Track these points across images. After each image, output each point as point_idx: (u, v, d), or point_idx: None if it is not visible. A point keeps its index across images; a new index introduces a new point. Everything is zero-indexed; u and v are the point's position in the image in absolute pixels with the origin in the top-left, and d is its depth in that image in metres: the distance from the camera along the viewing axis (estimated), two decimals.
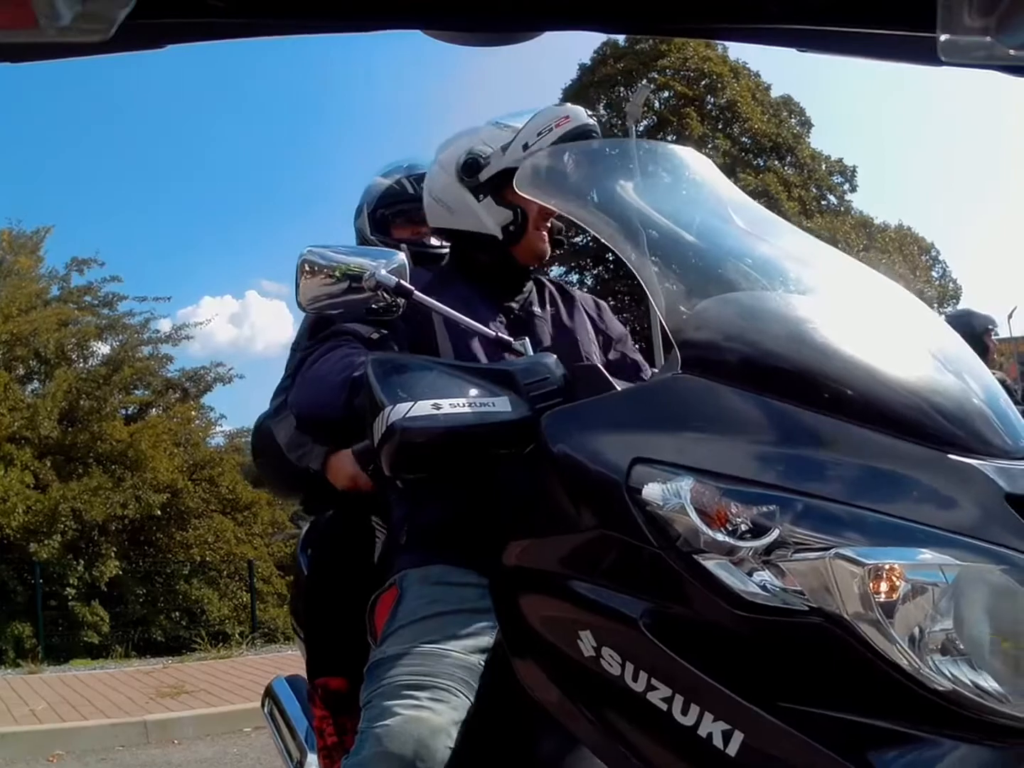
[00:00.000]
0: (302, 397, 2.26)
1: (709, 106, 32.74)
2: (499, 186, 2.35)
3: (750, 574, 1.26)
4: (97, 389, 17.76)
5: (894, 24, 1.28)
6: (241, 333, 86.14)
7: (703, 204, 1.98)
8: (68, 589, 15.31)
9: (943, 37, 1.10)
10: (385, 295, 1.96)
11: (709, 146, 29.87)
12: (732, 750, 1.26)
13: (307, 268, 2.00)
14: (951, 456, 1.30)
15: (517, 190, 1.96)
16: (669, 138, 30.87)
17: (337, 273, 1.98)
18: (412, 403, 1.52)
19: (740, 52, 32.79)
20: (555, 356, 1.72)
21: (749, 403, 1.40)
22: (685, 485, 1.31)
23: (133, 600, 16.36)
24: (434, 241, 3.06)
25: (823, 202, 32.79)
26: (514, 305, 2.44)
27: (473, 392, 1.58)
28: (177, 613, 16.60)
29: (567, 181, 1.99)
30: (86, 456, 17.28)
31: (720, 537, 1.27)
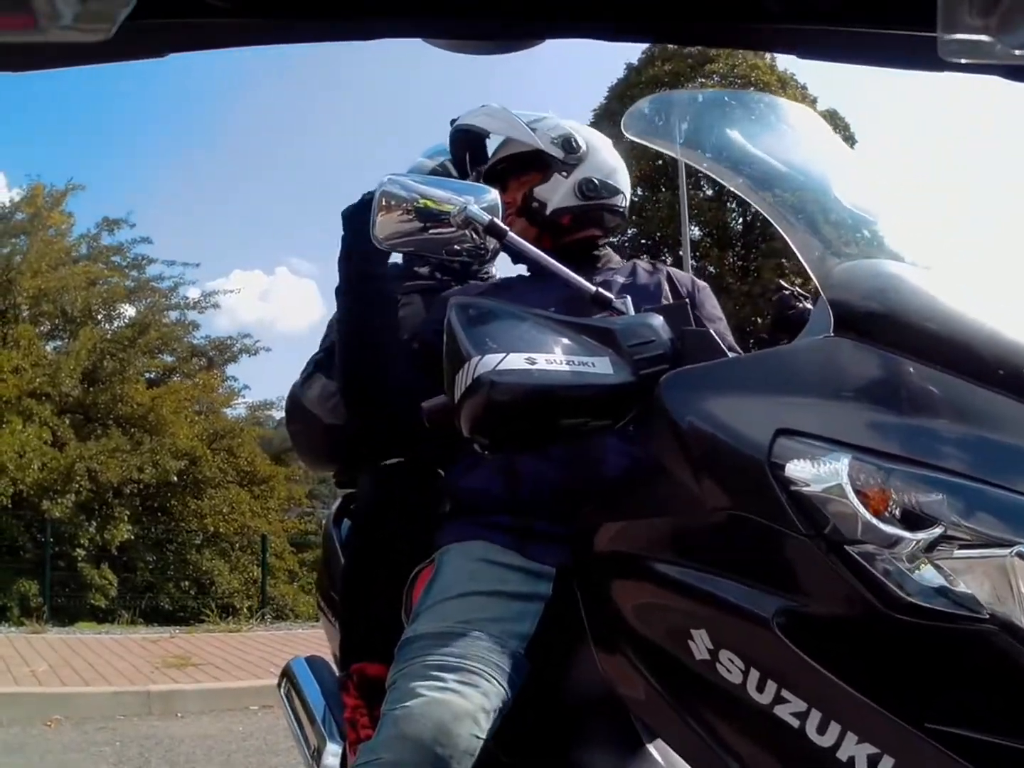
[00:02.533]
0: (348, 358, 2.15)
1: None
2: None
3: (912, 571, 1.08)
4: (122, 351, 17.88)
5: (894, 25, 1.27)
6: (268, 310, 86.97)
7: (828, 163, 1.82)
8: (78, 550, 15.42)
9: (943, 37, 1.05)
10: (474, 235, 1.76)
11: None
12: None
13: (385, 201, 1.80)
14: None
15: (626, 135, 1.79)
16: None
17: (421, 205, 1.77)
18: (503, 355, 1.32)
19: (788, 63, 32.82)
20: (662, 317, 1.50)
21: (917, 374, 1.20)
22: (842, 462, 1.11)
23: (143, 566, 16.56)
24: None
25: None
26: (597, 278, 2.15)
27: (571, 349, 1.38)
28: (186, 582, 16.73)
29: (684, 128, 1.78)
30: (106, 417, 17.43)
31: (882, 526, 1.07)
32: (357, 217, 2.19)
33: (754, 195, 1.57)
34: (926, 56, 1.12)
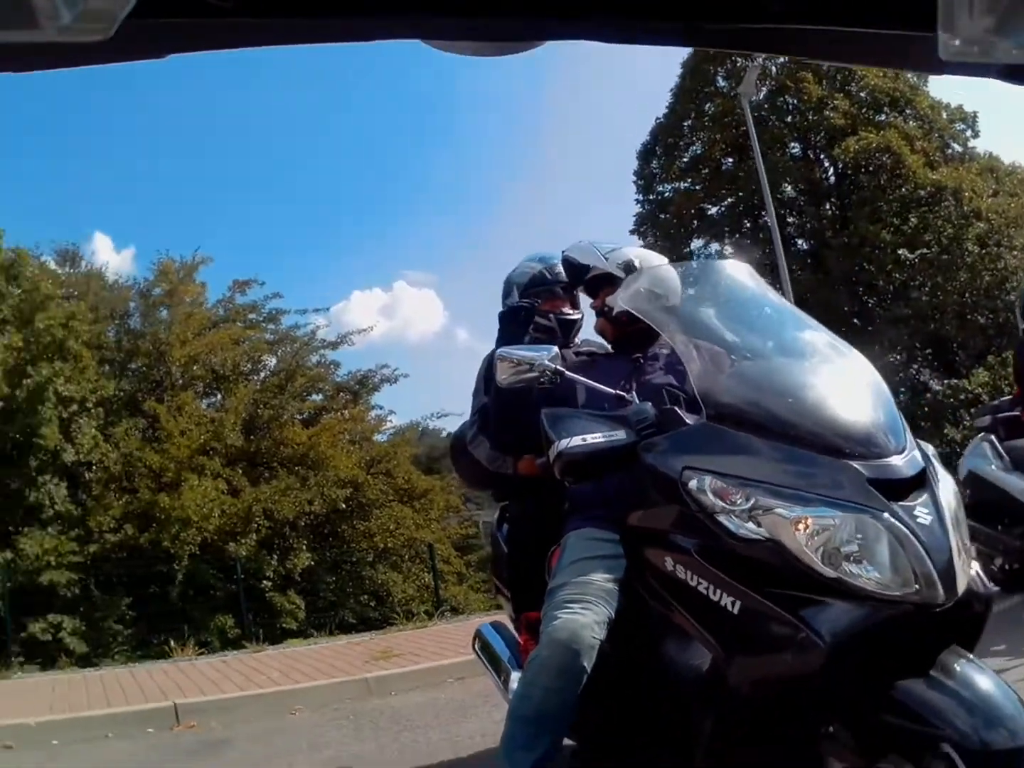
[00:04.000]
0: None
1: (825, 67, 32.06)
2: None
3: (741, 523, 2.65)
4: (273, 399, 19.72)
5: (894, 25, 1.31)
6: (393, 325, 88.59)
7: (735, 305, 3.56)
8: (264, 582, 17.17)
9: (943, 37, 1.14)
10: (548, 374, 3.43)
11: (829, 107, 30.44)
12: (735, 610, 2.64)
13: (500, 361, 3.48)
14: (842, 460, 2.65)
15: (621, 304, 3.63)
16: (790, 102, 31.91)
17: (518, 363, 3.44)
18: (569, 439, 2.99)
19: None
20: (650, 404, 3.18)
21: (739, 438, 2.84)
22: (707, 480, 2.73)
23: (324, 587, 18.23)
24: (566, 310, 4.53)
25: (947, 151, 32.26)
26: (639, 356, 3.97)
27: (603, 429, 3.04)
28: (365, 596, 18.47)
29: (644, 296, 3.54)
30: (271, 461, 19.18)
31: (722, 505, 2.68)
32: (506, 320, 4.20)
33: (678, 337, 3.28)
34: (926, 56, 1.20)
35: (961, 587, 2.52)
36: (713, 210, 33.81)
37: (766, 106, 31.89)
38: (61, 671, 11.55)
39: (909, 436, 2.84)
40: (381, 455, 20.62)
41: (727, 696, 2.71)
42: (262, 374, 21.10)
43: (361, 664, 8.93)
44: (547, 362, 3.43)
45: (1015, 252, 29.02)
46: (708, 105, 33.25)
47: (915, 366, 30.28)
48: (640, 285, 3.61)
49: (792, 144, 32.53)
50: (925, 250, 28.58)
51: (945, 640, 2.56)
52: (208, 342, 19.74)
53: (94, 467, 17.49)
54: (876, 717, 2.47)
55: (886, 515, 2.54)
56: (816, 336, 3.32)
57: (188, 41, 1.29)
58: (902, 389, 28.17)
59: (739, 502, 2.66)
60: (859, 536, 2.54)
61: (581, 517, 3.73)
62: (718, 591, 2.70)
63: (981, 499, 7.91)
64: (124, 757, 6.41)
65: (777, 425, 2.79)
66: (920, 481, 2.72)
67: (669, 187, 34.14)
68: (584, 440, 3.03)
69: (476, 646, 4.94)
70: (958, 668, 2.48)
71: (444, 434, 26.45)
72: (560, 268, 4.38)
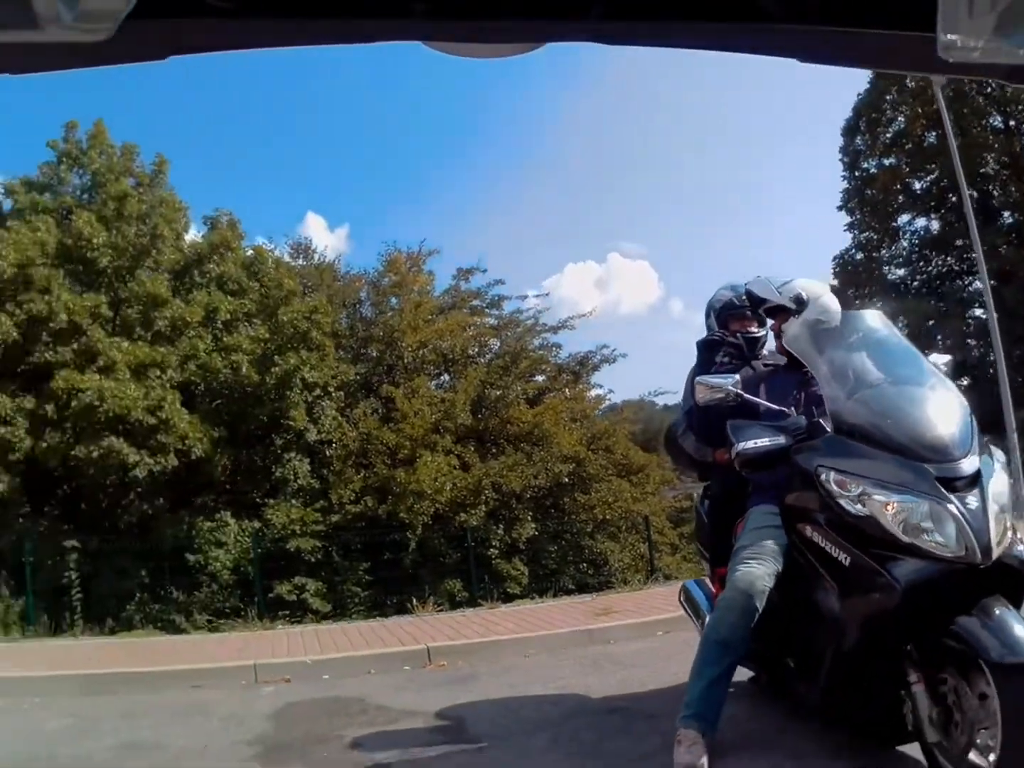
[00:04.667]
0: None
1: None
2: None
3: (852, 504, 4.01)
4: (499, 380, 20.99)
5: (894, 26, 1.33)
6: (608, 298, 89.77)
7: (866, 346, 4.85)
8: (491, 549, 18.44)
9: (943, 38, 1.18)
10: (732, 396, 4.78)
11: None
12: (847, 564, 4.10)
13: (698, 385, 4.91)
14: (920, 463, 3.98)
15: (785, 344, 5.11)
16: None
17: (712, 387, 4.86)
18: (744, 442, 4.44)
19: None
20: (804, 417, 4.66)
21: (854, 447, 4.27)
22: (832, 474, 4.12)
23: (546, 555, 19.37)
24: (752, 329, 5.82)
25: None
26: (806, 370, 5.03)
27: (769, 435, 4.47)
28: (584, 564, 19.58)
29: (803, 334, 4.96)
30: (498, 438, 20.52)
31: (840, 492, 4.09)
32: (703, 348, 5.88)
33: (821, 371, 4.66)
34: (926, 57, 1.26)
35: (995, 554, 3.82)
36: (918, 185, 33.52)
37: (965, 80, 31.12)
38: (316, 623, 13.13)
39: (976, 444, 4.19)
40: (601, 432, 21.58)
41: (842, 627, 4.13)
42: (487, 357, 22.33)
43: (583, 618, 10.07)
44: (731, 387, 4.90)
45: None
46: (908, 79, 32.74)
47: None
48: (806, 317, 5.05)
49: (994, 116, 32.03)
50: None
51: (989, 591, 3.81)
52: (437, 329, 21.20)
53: (334, 445, 19.11)
54: (939, 640, 3.79)
55: (944, 503, 3.89)
56: (920, 369, 4.76)
57: (189, 42, 1.34)
58: None
59: (852, 490, 4.11)
60: (927, 515, 3.92)
61: (760, 497, 5.07)
62: (837, 550, 4.16)
63: None
64: (387, 688, 7.67)
65: (880, 438, 4.23)
66: (976, 477, 4.03)
67: (874, 163, 34.16)
68: (755, 444, 4.55)
69: (681, 598, 6.43)
70: (997, 612, 3.73)
71: (660, 406, 27.48)
72: (765, 283, 5.58)
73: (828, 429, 4.51)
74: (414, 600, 12.87)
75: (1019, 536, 4.06)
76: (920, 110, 31.80)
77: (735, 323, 5.86)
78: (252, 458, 18.28)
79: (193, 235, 20.97)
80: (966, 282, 32.80)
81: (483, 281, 22.88)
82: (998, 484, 4.07)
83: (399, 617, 12.31)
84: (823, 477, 4.21)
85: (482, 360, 22.24)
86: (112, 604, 15.61)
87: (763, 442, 4.57)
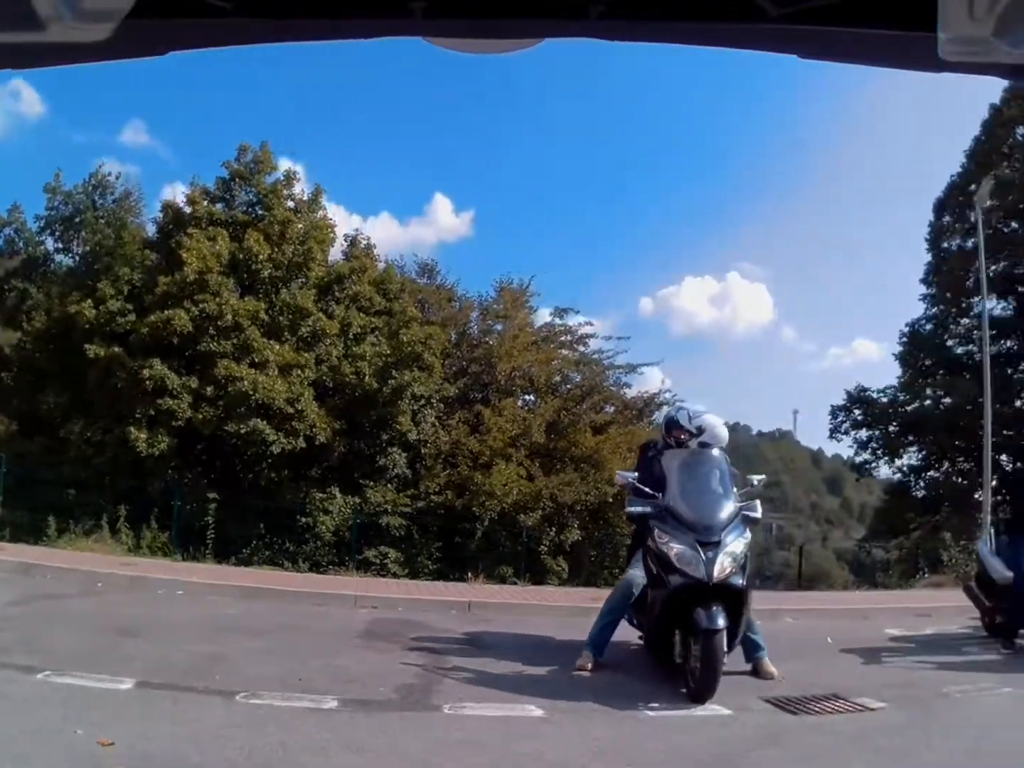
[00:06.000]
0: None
1: None
2: None
3: (661, 545, 8.75)
4: (574, 407, 25.35)
5: (894, 24, 1.38)
6: (722, 315, 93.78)
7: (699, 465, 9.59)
8: (541, 547, 22.80)
9: (943, 37, 1.21)
10: (629, 485, 9.56)
11: None
12: (655, 572, 9.13)
13: (616, 476, 10.19)
14: (693, 534, 8.59)
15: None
16: None
17: (622, 477, 9.86)
18: (629, 507, 9.32)
19: None
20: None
21: (671, 520, 8.88)
22: (656, 531, 8.87)
23: (587, 558, 23.85)
24: (683, 437, 9.79)
25: None
26: None
27: (642, 504, 9.20)
28: (618, 569, 22.78)
29: (667, 457, 9.72)
30: (563, 457, 24.64)
31: (656, 536, 8.86)
32: (640, 448, 11.05)
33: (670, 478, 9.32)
34: (926, 56, 1.31)
35: (717, 579, 8.23)
36: (992, 269, 36.36)
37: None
38: (392, 579, 17.98)
39: (730, 526, 8.60)
40: None
41: (651, 606, 8.73)
42: (567, 386, 26.58)
43: (585, 601, 14.18)
44: (630, 480, 9.31)
45: None
46: (995, 170, 35.67)
47: None
48: (692, 444, 9.47)
49: None
50: None
51: (715, 598, 8.20)
52: (529, 359, 25.60)
53: (428, 445, 23.61)
54: (688, 619, 8.25)
55: (697, 551, 8.37)
56: (724, 486, 8.98)
57: (188, 39, 1.43)
58: None
59: (661, 539, 8.53)
60: (688, 557, 8.28)
61: (643, 536, 9.31)
62: (653, 566, 8.62)
63: (979, 572, 13.07)
64: (439, 619, 12.33)
65: (680, 517, 8.59)
66: (718, 542, 8.46)
67: (956, 242, 36.52)
68: (632, 508, 8.98)
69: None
70: (713, 608, 8.16)
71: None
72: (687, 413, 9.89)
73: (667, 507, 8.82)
74: (469, 574, 17.53)
75: (735, 571, 8.40)
76: (999, 202, 34.97)
77: (675, 431, 9.88)
78: (362, 447, 22.90)
79: (337, 254, 25.75)
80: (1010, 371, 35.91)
81: (575, 320, 27.15)
82: (735, 546, 8.48)
83: (457, 583, 17.11)
84: (653, 531, 8.72)
85: (563, 388, 26.46)
86: (237, 545, 20.45)
87: (636, 508, 9.10)
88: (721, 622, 8.12)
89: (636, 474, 9.62)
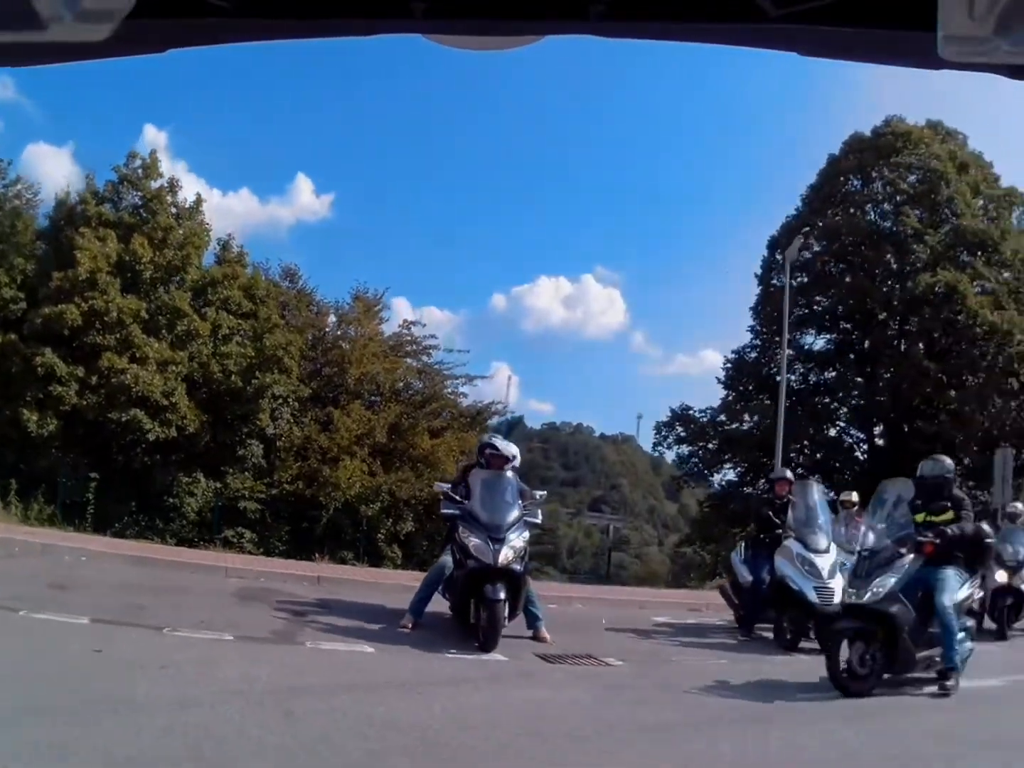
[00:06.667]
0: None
1: (929, 201, 39.98)
2: None
3: (463, 538, 13.95)
4: (414, 412, 30.20)
5: (894, 24, 1.43)
6: (574, 316, 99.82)
7: (495, 483, 14.43)
8: (379, 535, 27.61)
9: (943, 36, 1.25)
10: (442, 494, 13.83)
11: (922, 241, 38.19)
12: (458, 557, 18.41)
13: (435, 485, 14.67)
14: (486, 531, 12.71)
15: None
16: (896, 229, 39.42)
17: (440, 488, 13.98)
18: (443, 509, 13.53)
19: (978, 143, 37.87)
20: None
21: (470, 519, 13.85)
22: (461, 528, 14.23)
23: (420, 547, 28.72)
24: (496, 454, 14.04)
25: (1015, 294, 38.72)
26: None
27: (453, 508, 13.32)
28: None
29: (476, 476, 17.79)
30: (402, 457, 29.43)
31: (461, 533, 17.43)
32: (463, 470, 15.01)
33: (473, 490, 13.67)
34: (926, 55, 1.37)
35: (500, 564, 12.10)
36: (816, 307, 42.59)
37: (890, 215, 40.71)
38: (250, 555, 22.95)
39: (515, 527, 12.66)
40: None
41: (456, 582, 12.92)
42: (410, 392, 31.43)
43: (414, 581, 19.27)
44: (442, 488, 13.60)
45: None
46: (831, 210, 41.91)
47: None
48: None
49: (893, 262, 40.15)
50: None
51: (499, 578, 12.17)
52: (378, 366, 30.22)
53: (283, 439, 28.13)
54: (480, 592, 12.14)
55: (489, 544, 12.27)
56: (513, 495, 13.18)
57: (188, 37, 1.48)
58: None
59: (464, 533, 12.47)
60: (482, 549, 12.26)
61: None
62: (459, 553, 12.75)
63: (732, 576, 17.18)
64: (293, 587, 16.67)
65: (476, 517, 12.58)
66: (504, 538, 12.45)
67: (784, 280, 39.96)
68: (444, 510, 13.29)
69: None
70: (497, 584, 11.99)
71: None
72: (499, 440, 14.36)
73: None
74: (316, 555, 22.41)
75: (515, 560, 12.52)
76: (828, 246, 41.03)
77: (487, 450, 13.86)
78: (225, 439, 27.31)
79: (211, 258, 30.14)
80: (828, 399, 42.42)
81: (422, 332, 32.17)
82: (517, 542, 12.51)
83: (307, 562, 21.61)
84: (459, 528, 12.66)
85: (406, 394, 31.23)
86: (112, 520, 24.56)
87: (448, 511, 12.86)
88: (502, 595, 12.01)
89: (450, 485, 13.71)
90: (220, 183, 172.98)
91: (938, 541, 11.30)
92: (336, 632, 12.32)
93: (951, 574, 11.37)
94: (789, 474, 17.66)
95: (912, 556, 11.20)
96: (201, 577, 16.92)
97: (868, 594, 10.96)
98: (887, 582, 10.99)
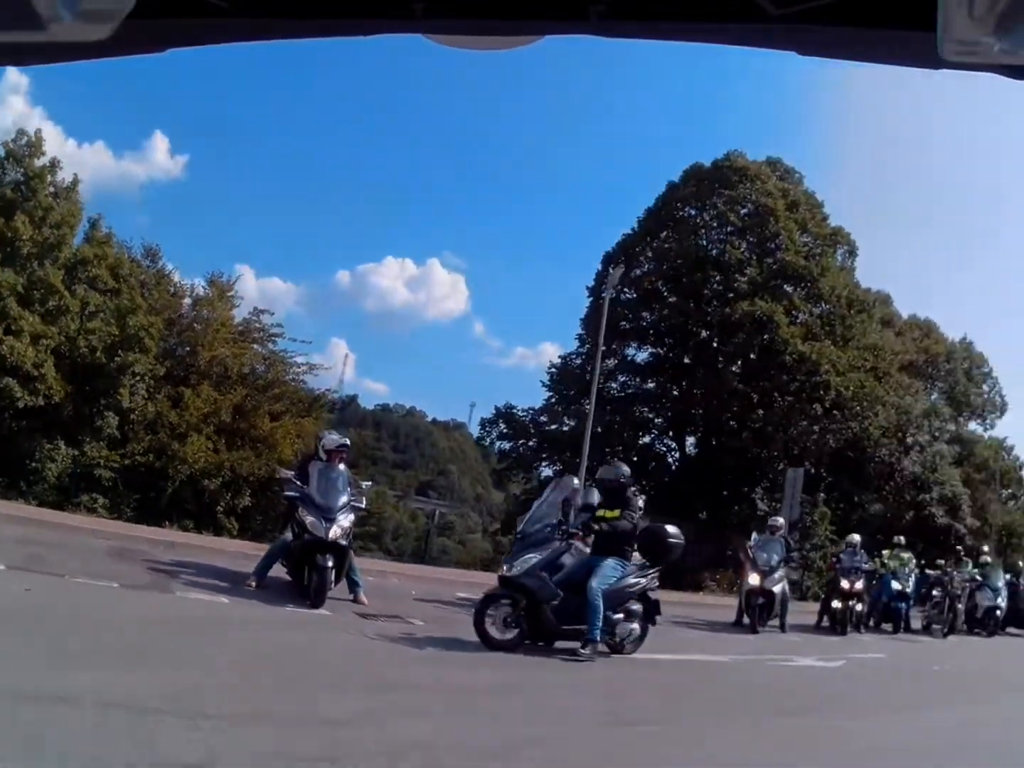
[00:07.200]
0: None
1: (756, 236, 45.52)
2: None
3: (304, 518, 19.56)
4: (257, 395, 34.31)
5: (894, 24, 1.50)
6: (416, 299, 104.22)
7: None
8: (219, 507, 31.61)
9: (943, 37, 1.29)
10: (288, 478, 19.17)
11: (746, 272, 43.54)
12: (298, 531, 19.76)
13: (279, 470, 20.55)
14: (323, 513, 17.99)
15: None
16: (724, 257, 44.58)
17: (284, 471, 21.97)
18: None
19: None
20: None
21: (312, 503, 18.85)
22: (300, 507, 23.28)
23: (255, 520, 33.06)
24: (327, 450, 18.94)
25: (828, 327, 44.79)
26: None
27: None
28: (277, 532, 28.72)
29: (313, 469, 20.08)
30: (244, 437, 33.34)
31: (300, 514, 22.47)
32: (302, 460, 25.10)
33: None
34: (926, 55, 1.42)
35: (330, 539, 16.70)
36: (643, 322, 47.83)
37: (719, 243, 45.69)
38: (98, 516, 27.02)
39: (344, 507, 17.40)
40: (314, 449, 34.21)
41: (293, 553, 17.80)
42: (255, 377, 35.35)
43: (255, 550, 23.63)
44: (287, 475, 18.51)
45: (854, 423, 43.23)
46: (664, 233, 47.18)
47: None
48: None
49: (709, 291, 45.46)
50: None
51: (329, 551, 16.78)
52: (227, 351, 34.19)
53: (137, 413, 31.59)
54: (313, 561, 16.75)
55: (321, 522, 17.00)
56: (346, 486, 17.99)
57: (188, 37, 1.56)
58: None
59: (302, 513, 17.35)
60: (316, 525, 16.98)
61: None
62: (295, 528, 17.60)
63: None
64: (170, 555, 20.69)
65: (314, 501, 17.37)
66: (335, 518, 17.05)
67: (612, 294, 44.83)
68: (289, 492, 18.17)
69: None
70: (327, 556, 16.51)
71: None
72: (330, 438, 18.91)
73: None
74: (165, 522, 26.94)
75: (343, 536, 17.07)
76: (660, 266, 46.26)
77: (325, 444, 18.65)
78: (87, 410, 30.76)
79: (81, 238, 33.76)
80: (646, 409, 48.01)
81: (270, 320, 36.40)
82: (344, 522, 16.89)
83: (159, 528, 26.00)
84: (298, 508, 16.93)
85: (251, 378, 35.11)
86: None
87: (290, 493, 17.65)
88: (330, 563, 15.83)
89: (294, 472, 17.74)
90: (76, 134, 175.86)
91: (581, 532, 15.28)
92: (197, 587, 16.05)
93: (609, 563, 14.84)
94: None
95: (565, 542, 15.24)
96: (76, 537, 20.59)
97: (515, 569, 14.75)
98: (530, 560, 14.71)
